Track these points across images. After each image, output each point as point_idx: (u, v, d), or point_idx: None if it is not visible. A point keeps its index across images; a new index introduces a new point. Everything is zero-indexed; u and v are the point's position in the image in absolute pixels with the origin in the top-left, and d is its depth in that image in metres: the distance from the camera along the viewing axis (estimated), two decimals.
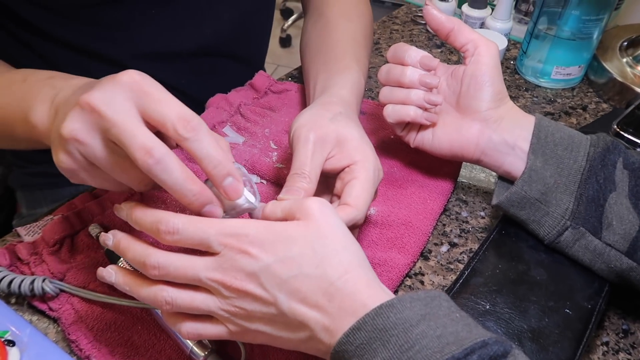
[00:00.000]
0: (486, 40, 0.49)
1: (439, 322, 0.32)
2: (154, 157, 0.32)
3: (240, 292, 0.34)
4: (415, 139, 0.53)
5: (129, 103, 0.34)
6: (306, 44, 0.64)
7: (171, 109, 0.34)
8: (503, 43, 0.71)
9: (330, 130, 0.44)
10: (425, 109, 0.50)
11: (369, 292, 0.34)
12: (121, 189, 0.39)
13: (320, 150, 0.44)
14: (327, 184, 0.47)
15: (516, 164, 0.48)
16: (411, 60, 0.50)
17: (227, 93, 0.66)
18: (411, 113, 0.50)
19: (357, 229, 0.45)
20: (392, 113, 0.52)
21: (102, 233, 0.37)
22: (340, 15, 0.64)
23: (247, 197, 0.37)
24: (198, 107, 0.66)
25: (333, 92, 0.52)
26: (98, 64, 0.60)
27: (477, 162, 0.51)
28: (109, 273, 0.37)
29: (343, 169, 0.44)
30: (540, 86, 0.73)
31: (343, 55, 0.58)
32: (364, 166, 0.43)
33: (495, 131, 0.49)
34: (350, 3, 0.66)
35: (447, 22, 0.50)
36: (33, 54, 0.59)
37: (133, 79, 0.34)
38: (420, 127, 0.53)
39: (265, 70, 0.72)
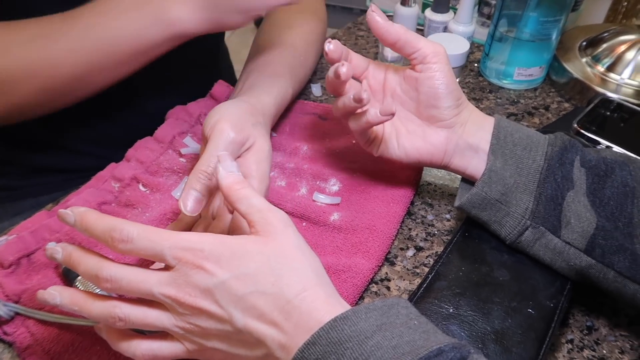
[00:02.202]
0: (433, 46, 0.48)
1: (395, 331, 0.32)
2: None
3: (194, 309, 0.33)
4: (380, 149, 0.52)
5: None
6: (252, 45, 0.66)
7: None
8: (466, 46, 0.72)
9: (250, 136, 0.48)
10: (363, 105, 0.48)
11: (327, 309, 0.33)
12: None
13: (235, 152, 0.46)
14: None
15: (480, 167, 0.48)
16: (345, 78, 0.48)
17: (189, 96, 0.66)
18: (369, 118, 0.47)
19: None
20: (354, 124, 0.50)
21: (50, 246, 0.36)
22: (282, 22, 0.65)
23: None
24: (156, 117, 0.65)
25: (260, 99, 0.54)
26: None
27: (444, 167, 0.51)
28: (52, 295, 0.35)
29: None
30: (503, 87, 0.74)
31: (277, 61, 0.60)
32: (254, 183, 0.46)
33: (460, 136, 0.49)
34: (294, 11, 0.67)
35: (392, 31, 0.48)
36: None
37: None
38: (384, 136, 0.51)
39: (234, 76, 0.72)
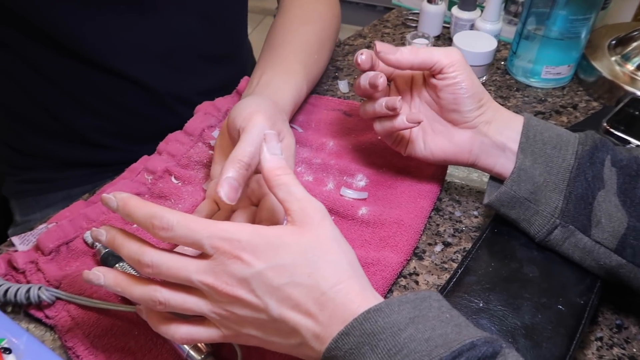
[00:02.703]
0: (448, 55, 0.47)
1: (427, 324, 0.32)
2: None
3: (231, 297, 0.34)
4: (407, 149, 0.53)
5: None
6: (265, 41, 0.66)
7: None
8: (493, 44, 0.72)
9: (281, 131, 0.48)
10: (397, 114, 0.49)
11: (361, 301, 0.34)
12: None
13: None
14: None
15: (507, 166, 0.49)
16: (381, 88, 0.49)
17: (211, 90, 0.67)
18: (395, 124, 0.50)
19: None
20: (380, 127, 0.52)
21: (94, 228, 0.37)
22: (297, 17, 0.65)
23: None
24: (185, 105, 0.67)
25: (279, 97, 0.54)
26: (74, 65, 0.60)
27: (471, 165, 0.51)
28: (97, 275, 0.36)
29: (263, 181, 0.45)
30: (530, 86, 0.74)
31: (292, 58, 0.60)
32: None
33: (485, 135, 0.49)
34: (309, 5, 0.67)
35: (403, 60, 0.48)
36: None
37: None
38: (410, 137, 0.53)
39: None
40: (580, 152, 0.46)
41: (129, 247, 0.35)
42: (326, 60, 0.68)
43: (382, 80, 0.48)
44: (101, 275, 0.36)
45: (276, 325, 0.34)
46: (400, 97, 0.49)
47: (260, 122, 0.45)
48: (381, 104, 0.50)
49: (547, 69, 0.72)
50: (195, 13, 0.65)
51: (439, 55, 0.48)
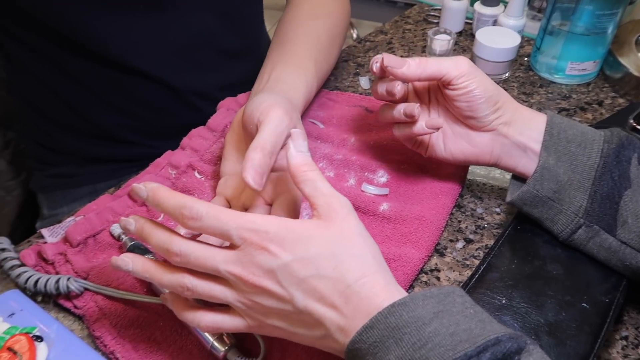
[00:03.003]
0: (456, 66, 0.47)
1: (452, 319, 0.32)
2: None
3: (257, 288, 0.34)
4: (427, 151, 0.53)
5: None
6: (274, 35, 0.65)
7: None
8: (516, 40, 0.71)
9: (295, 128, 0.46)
10: (416, 120, 0.50)
11: (385, 295, 0.34)
12: None
13: (283, 139, 0.44)
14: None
15: (529, 166, 0.48)
16: (399, 97, 0.49)
17: (231, 85, 0.68)
18: (414, 130, 0.50)
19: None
20: (399, 132, 0.53)
21: (123, 218, 0.38)
22: (308, 12, 0.65)
23: None
24: (206, 101, 0.68)
25: (291, 95, 0.53)
26: (99, 66, 0.62)
27: (493, 166, 0.51)
28: (125, 261, 0.36)
29: (277, 167, 0.45)
30: (554, 82, 0.73)
31: (302, 54, 0.59)
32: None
33: (505, 137, 0.49)
34: (319, 0, 0.67)
35: (409, 74, 0.48)
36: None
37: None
38: (430, 139, 0.52)
39: None
40: (605, 150, 0.45)
41: (158, 236, 0.36)
42: (335, 57, 0.68)
43: (399, 89, 0.49)
44: (129, 261, 0.37)
45: (301, 316, 0.35)
46: (418, 104, 0.49)
47: (279, 115, 0.45)
48: (399, 111, 0.50)
49: (571, 65, 0.71)
50: (213, 9, 0.66)
51: (447, 67, 0.47)
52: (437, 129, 0.49)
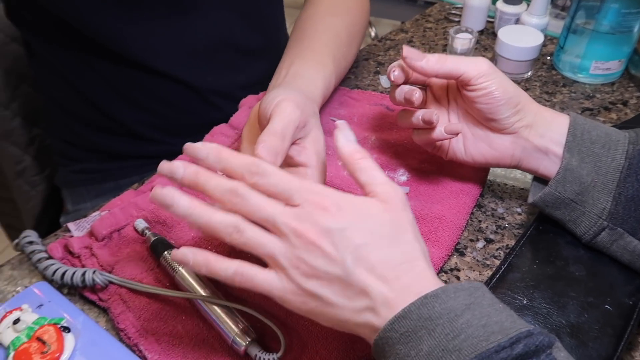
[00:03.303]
0: (476, 66, 0.46)
1: (483, 311, 0.33)
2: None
3: (310, 244, 0.34)
4: (448, 154, 0.53)
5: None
6: (292, 31, 0.65)
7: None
8: (539, 39, 0.70)
9: (309, 123, 0.47)
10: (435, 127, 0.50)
11: (435, 282, 0.35)
12: None
13: (299, 130, 0.45)
14: None
15: (551, 168, 0.48)
16: (417, 104, 0.49)
17: (252, 84, 0.68)
18: (433, 136, 0.50)
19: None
20: (418, 137, 0.53)
21: (165, 163, 0.37)
22: (327, 9, 0.65)
23: None
24: (227, 99, 0.68)
25: (308, 90, 0.53)
26: (120, 66, 0.63)
27: (514, 167, 0.51)
28: (170, 198, 0.36)
29: (294, 164, 0.46)
30: (578, 81, 0.72)
31: (321, 50, 0.59)
32: (313, 172, 0.46)
33: (527, 140, 0.48)
34: None
35: (428, 68, 0.47)
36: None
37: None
38: (450, 143, 0.52)
39: None
40: (630, 151, 0.45)
41: (218, 179, 0.36)
42: (354, 54, 0.68)
43: (417, 96, 0.49)
44: (174, 196, 0.36)
45: (347, 282, 0.34)
46: (436, 111, 0.49)
47: (290, 107, 0.45)
48: (418, 117, 0.50)
49: (596, 64, 0.70)
50: (234, 10, 0.66)
51: (466, 67, 0.46)
52: (457, 134, 0.49)
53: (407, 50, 0.47)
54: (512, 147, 0.49)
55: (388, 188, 0.37)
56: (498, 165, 0.51)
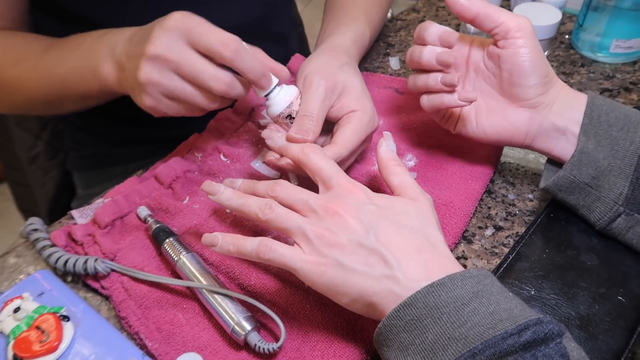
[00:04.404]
0: (517, 19, 0.44)
1: (491, 298, 0.32)
2: (223, 82, 0.43)
3: (336, 215, 0.37)
4: (457, 126, 0.51)
5: (182, 42, 0.42)
6: (326, 3, 0.67)
7: (213, 37, 0.42)
8: (557, 16, 0.67)
9: (339, 80, 0.49)
10: (453, 91, 0.47)
11: (454, 265, 0.36)
12: (194, 112, 0.48)
13: (328, 97, 0.48)
14: (327, 127, 0.50)
15: (567, 149, 0.46)
16: (431, 39, 0.47)
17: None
18: (445, 101, 0.47)
19: (343, 165, 0.49)
20: (427, 103, 0.50)
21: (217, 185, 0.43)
22: None
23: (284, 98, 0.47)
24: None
25: (337, 42, 0.55)
26: None
27: (526, 147, 0.49)
28: (217, 189, 0.42)
29: (342, 117, 0.49)
30: (597, 61, 0.69)
31: (352, 7, 0.62)
32: (359, 115, 0.48)
33: (545, 117, 0.46)
34: None
35: (470, 6, 0.45)
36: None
37: (177, 20, 0.42)
38: (461, 113, 0.50)
39: (309, 49, 0.72)
40: None
41: (262, 183, 0.42)
42: (386, 10, 0.69)
43: (452, 60, 0.46)
44: (221, 188, 0.42)
45: (368, 252, 0.36)
46: (459, 73, 0.47)
47: (314, 81, 0.48)
48: (436, 79, 0.47)
49: (616, 43, 0.66)
50: None
51: (507, 17, 0.45)
52: (471, 101, 0.47)
53: None
54: (528, 123, 0.46)
55: (418, 190, 0.40)
56: (510, 143, 0.49)
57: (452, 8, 0.46)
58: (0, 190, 1.71)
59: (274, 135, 0.47)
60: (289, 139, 0.46)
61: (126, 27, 0.49)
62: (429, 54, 0.47)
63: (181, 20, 0.42)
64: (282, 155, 0.46)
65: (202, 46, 0.42)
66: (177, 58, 0.42)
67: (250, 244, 0.38)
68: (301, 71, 0.50)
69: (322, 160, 0.42)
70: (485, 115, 0.48)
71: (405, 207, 0.39)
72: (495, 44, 0.46)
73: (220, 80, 0.43)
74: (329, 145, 0.47)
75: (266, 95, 0.47)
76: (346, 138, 0.47)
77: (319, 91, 0.47)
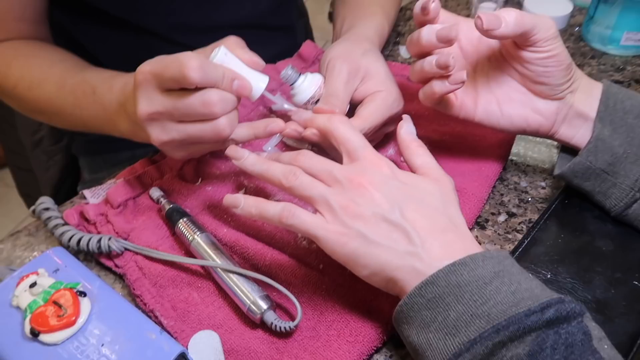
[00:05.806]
0: (545, 26, 0.41)
1: (513, 278, 0.32)
2: (214, 103, 0.40)
3: (361, 187, 0.37)
4: (477, 116, 0.47)
5: (157, 92, 0.41)
6: None
7: (173, 69, 0.39)
8: (568, 8, 0.67)
9: (361, 65, 0.49)
10: (448, 76, 0.43)
11: (475, 246, 0.36)
12: (219, 145, 0.46)
13: (352, 80, 0.48)
14: (351, 113, 0.49)
15: (587, 136, 0.45)
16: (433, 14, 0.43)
17: (272, 58, 0.66)
18: (435, 89, 0.44)
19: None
20: (422, 96, 0.46)
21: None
22: None
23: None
24: None
25: (359, 32, 0.56)
26: (140, 38, 0.63)
27: (549, 137, 0.48)
28: (241, 154, 0.43)
29: (367, 97, 0.49)
30: (607, 53, 0.69)
31: (369, 3, 0.62)
32: (383, 95, 0.48)
33: (572, 106, 0.45)
34: None
35: (509, 31, 0.40)
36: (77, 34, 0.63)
37: (142, 73, 0.40)
38: (478, 103, 0.47)
39: (314, 40, 0.72)
40: None
41: (285, 153, 0.43)
42: (399, 4, 0.69)
43: (455, 34, 0.41)
44: (246, 154, 0.42)
45: (392, 226, 0.36)
46: (452, 53, 0.42)
47: (336, 66, 0.48)
48: (431, 62, 0.42)
49: (627, 35, 0.67)
50: None
51: (539, 26, 0.41)
52: (462, 82, 0.42)
53: (486, 20, 0.40)
54: (556, 112, 0.46)
55: (440, 171, 0.40)
56: (536, 133, 0.47)
57: (490, 38, 0.42)
58: (0, 176, 1.70)
59: (299, 110, 0.47)
60: (316, 111, 0.46)
61: (114, 83, 0.48)
62: (428, 32, 0.42)
63: (142, 72, 0.40)
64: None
65: (170, 83, 0.40)
66: (163, 108, 0.40)
67: (273, 208, 0.38)
68: (324, 58, 0.50)
69: (349, 131, 0.41)
70: (510, 106, 0.46)
71: (430, 187, 0.39)
72: (520, 47, 0.43)
73: (212, 103, 0.40)
74: (353, 117, 0.46)
75: (291, 85, 0.48)
76: (371, 112, 0.47)
77: (342, 75, 0.47)
